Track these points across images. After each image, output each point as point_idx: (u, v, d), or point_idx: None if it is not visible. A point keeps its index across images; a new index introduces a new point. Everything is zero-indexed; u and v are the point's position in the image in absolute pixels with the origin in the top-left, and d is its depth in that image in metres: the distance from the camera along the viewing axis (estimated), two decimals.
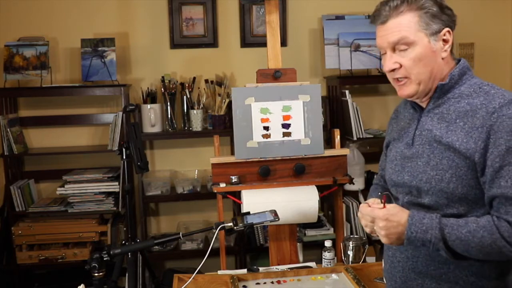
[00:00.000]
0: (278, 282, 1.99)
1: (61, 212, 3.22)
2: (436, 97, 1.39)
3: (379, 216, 1.32)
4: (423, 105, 1.44)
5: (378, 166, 1.73)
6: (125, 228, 3.25)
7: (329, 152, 2.38)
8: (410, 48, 1.34)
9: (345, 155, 2.40)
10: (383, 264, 1.59)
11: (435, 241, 1.27)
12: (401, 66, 1.36)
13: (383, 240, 1.33)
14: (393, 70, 1.38)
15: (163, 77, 3.38)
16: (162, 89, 3.38)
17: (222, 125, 3.35)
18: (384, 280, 1.59)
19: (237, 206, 2.96)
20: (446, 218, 1.29)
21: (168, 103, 3.37)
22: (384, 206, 1.34)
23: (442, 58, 1.37)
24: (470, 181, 1.29)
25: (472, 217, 1.29)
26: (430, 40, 1.34)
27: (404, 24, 1.33)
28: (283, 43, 3.47)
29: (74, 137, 3.46)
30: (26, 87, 3.30)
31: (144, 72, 3.49)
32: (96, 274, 1.69)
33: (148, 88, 3.39)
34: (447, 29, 1.36)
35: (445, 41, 1.36)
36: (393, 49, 1.36)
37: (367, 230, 1.41)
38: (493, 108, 1.27)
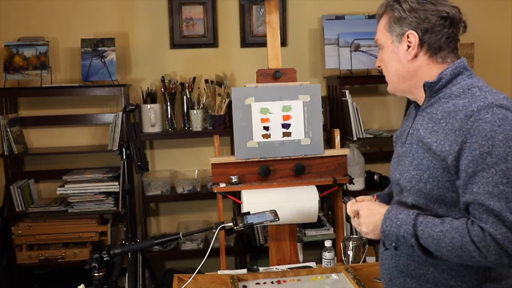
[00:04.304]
0: (278, 282, 1.98)
1: (61, 212, 3.22)
2: (428, 96, 1.38)
3: (362, 207, 1.43)
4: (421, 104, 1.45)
5: None
6: (125, 228, 3.24)
7: (329, 152, 2.38)
8: (382, 50, 1.46)
9: (345, 155, 2.40)
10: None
11: (408, 237, 1.28)
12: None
13: (362, 229, 1.42)
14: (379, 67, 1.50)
15: (163, 77, 3.38)
16: (162, 89, 3.37)
17: (222, 125, 3.35)
18: None
19: (237, 206, 2.95)
20: (424, 216, 1.29)
21: (168, 103, 3.37)
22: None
23: (412, 59, 1.37)
24: (446, 183, 1.28)
25: (450, 218, 1.28)
26: (394, 41, 1.40)
27: (379, 27, 1.45)
28: (283, 43, 3.47)
29: (74, 137, 3.46)
30: (26, 87, 3.30)
31: (144, 72, 3.49)
32: (96, 274, 1.69)
33: (148, 88, 3.39)
34: (410, 31, 1.35)
35: (409, 43, 1.37)
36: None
37: (354, 223, 1.50)
38: (471, 111, 1.24)
